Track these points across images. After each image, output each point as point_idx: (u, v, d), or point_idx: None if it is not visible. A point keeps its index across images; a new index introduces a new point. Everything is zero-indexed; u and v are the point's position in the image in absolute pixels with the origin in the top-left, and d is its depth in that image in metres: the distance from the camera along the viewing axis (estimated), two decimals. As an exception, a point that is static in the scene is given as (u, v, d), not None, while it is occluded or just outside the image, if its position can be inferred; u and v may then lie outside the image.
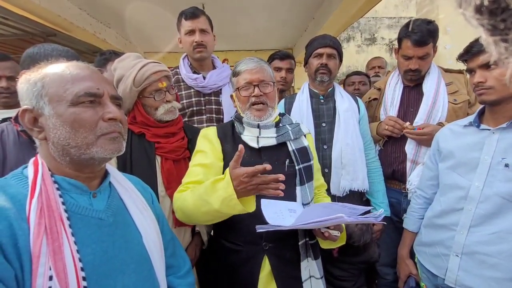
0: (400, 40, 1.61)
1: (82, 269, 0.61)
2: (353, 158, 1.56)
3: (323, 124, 1.63)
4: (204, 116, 1.72)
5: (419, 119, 1.58)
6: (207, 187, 0.95)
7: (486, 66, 1.08)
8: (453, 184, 1.20)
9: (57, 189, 0.66)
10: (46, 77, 0.67)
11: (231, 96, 1.24)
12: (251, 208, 0.93)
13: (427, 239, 1.30)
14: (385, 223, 1.58)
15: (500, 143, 1.08)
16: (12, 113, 1.23)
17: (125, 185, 0.83)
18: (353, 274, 1.41)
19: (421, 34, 1.49)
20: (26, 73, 0.69)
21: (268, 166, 0.85)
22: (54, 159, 0.69)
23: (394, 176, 1.69)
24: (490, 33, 0.28)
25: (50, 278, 0.56)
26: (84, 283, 0.60)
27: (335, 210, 0.88)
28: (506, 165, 1.05)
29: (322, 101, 1.68)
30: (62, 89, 0.66)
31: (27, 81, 0.68)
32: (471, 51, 1.12)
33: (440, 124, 1.52)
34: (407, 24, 1.56)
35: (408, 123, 1.57)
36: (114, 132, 0.71)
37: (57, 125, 0.65)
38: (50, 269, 0.57)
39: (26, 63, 1.06)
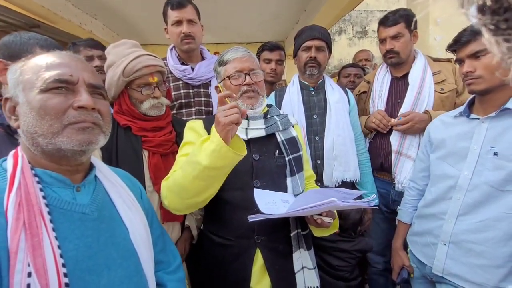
0: (378, 31, 1.69)
1: (63, 265, 0.59)
2: (344, 149, 1.56)
3: (314, 116, 1.62)
4: (193, 109, 1.69)
5: (405, 110, 1.60)
6: (195, 149, 0.91)
7: (475, 55, 1.08)
8: (443, 174, 1.20)
9: (38, 182, 0.64)
10: (24, 65, 0.66)
11: (216, 87, 1.20)
12: (244, 151, 0.89)
13: (418, 229, 1.31)
14: (376, 207, 1.62)
15: (489, 132, 1.09)
16: None
17: (111, 179, 0.80)
18: (350, 263, 1.44)
19: (390, 16, 1.59)
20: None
21: (245, 110, 0.90)
22: (29, 149, 0.66)
23: (383, 167, 1.71)
24: (493, 33, 0.27)
25: (29, 274, 0.54)
26: (66, 280, 0.58)
27: (328, 195, 0.86)
28: (495, 154, 1.05)
29: (313, 93, 1.67)
30: (35, 76, 0.64)
31: (10, 70, 0.68)
32: (460, 41, 1.12)
33: (426, 112, 1.53)
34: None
35: (393, 120, 1.60)
36: (84, 122, 0.66)
37: (27, 112, 0.63)
38: (29, 265, 0.55)
39: (1, 52, 1.01)
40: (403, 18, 1.56)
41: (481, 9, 0.26)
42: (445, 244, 1.16)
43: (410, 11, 1.63)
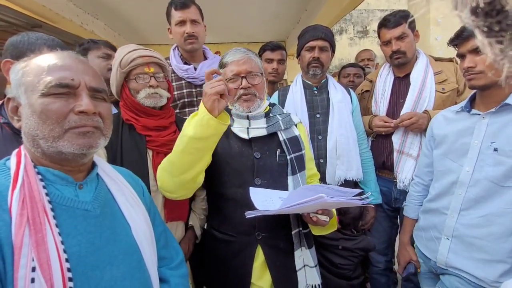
0: (378, 33, 1.69)
1: (67, 260, 0.59)
2: (347, 148, 1.57)
3: (317, 115, 1.63)
4: (196, 108, 1.70)
5: (406, 109, 1.60)
6: (185, 125, 0.97)
7: (476, 51, 1.07)
8: (445, 170, 1.21)
9: (41, 180, 0.64)
10: (26, 66, 0.66)
11: None
12: (226, 120, 0.94)
13: (423, 224, 1.33)
14: (372, 206, 1.62)
15: (489, 127, 1.09)
16: None
17: (113, 177, 0.81)
18: (352, 262, 1.44)
19: (391, 18, 1.60)
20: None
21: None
22: (30, 150, 0.67)
23: (385, 166, 1.71)
24: (486, 35, 0.28)
25: (33, 269, 0.55)
26: (69, 274, 0.59)
27: (319, 191, 0.86)
28: (495, 149, 1.05)
29: (316, 92, 1.67)
30: (37, 79, 0.64)
31: (13, 70, 0.68)
32: (462, 36, 1.11)
33: (425, 112, 1.54)
34: (381, 19, 1.67)
35: (394, 121, 1.60)
36: (85, 126, 0.67)
37: (28, 114, 0.64)
38: (33, 260, 0.55)
39: (9, 51, 1.02)
40: (404, 19, 1.57)
41: (474, 11, 0.27)
42: (448, 239, 1.17)
43: (408, 12, 1.65)
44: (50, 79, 0.64)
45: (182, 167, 0.97)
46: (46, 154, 0.66)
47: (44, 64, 0.66)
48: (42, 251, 0.57)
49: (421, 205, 1.38)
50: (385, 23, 1.62)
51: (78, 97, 0.67)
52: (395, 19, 1.58)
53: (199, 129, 0.89)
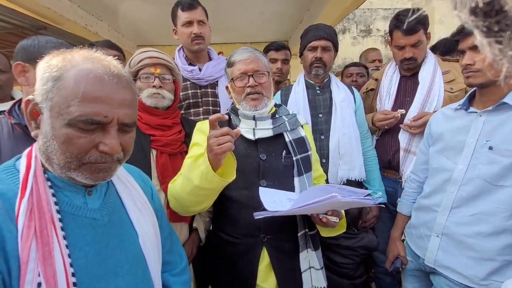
0: (391, 32, 1.64)
1: (73, 275, 0.58)
2: (350, 148, 1.56)
3: (320, 115, 1.62)
4: (201, 109, 1.71)
5: (414, 108, 1.58)
6: (190, 164, 0.96)
7: (476, 48, 1.06)
8: (440, 167, 1.20)
9: (50, 187, 0.62)
10: (59, 81, 0.59)
11: (226, 87, 1.22)
12: (231, 176, 0.93)
13: (414, 221, 1.33)
14: (383, 206, 1.62)
15: (486, 125, 1.08)
16: (5, 106, 1.21)
17: (124, 181, 0.79)
18: (354, 261, 1.44)
19: (406, 20, 1.51)
20: (48, 59, 0.62)
21: (238, 131, 0.90)
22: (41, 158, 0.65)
23: (390, 165, 1.70)
24: (485, 35, 0.28)
25: (39, 285, 0.54)
26: None
27: (330, 191, 0.86)
28: (490, 148, 1.05)
29: (318, 92, 1.67)
30: (66, 103, 0.58)
31: (42, 72, 0.60)
32: (463, 31, 1.10)
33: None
34: (396, 16, 1.60)
35: (399, 111, 1.58)
36: (103, 163, 0.63)
37: (48, 136, 0.60)
38: (39, 275, 0.54)
39: (20, 55, 1.04)
40: (421, 24, 1.52)
41: (474, 11, 0.27)
42: (438, 236, 1.16)
43: (426, 14, 1.60)
44: (80, 112, 0.58)
45: (190, 203, 1.02)
46: (56, 172, 0.64)
47: (79, 87, 0.59)
48: (48, 266, 0.55)
49: (415, 202, 1.38)
50: (400, 26, 1.55)
51: (105, 133, 0.62)
52: (412, 25, 1.50)
53: (204, 182, 0.90)
